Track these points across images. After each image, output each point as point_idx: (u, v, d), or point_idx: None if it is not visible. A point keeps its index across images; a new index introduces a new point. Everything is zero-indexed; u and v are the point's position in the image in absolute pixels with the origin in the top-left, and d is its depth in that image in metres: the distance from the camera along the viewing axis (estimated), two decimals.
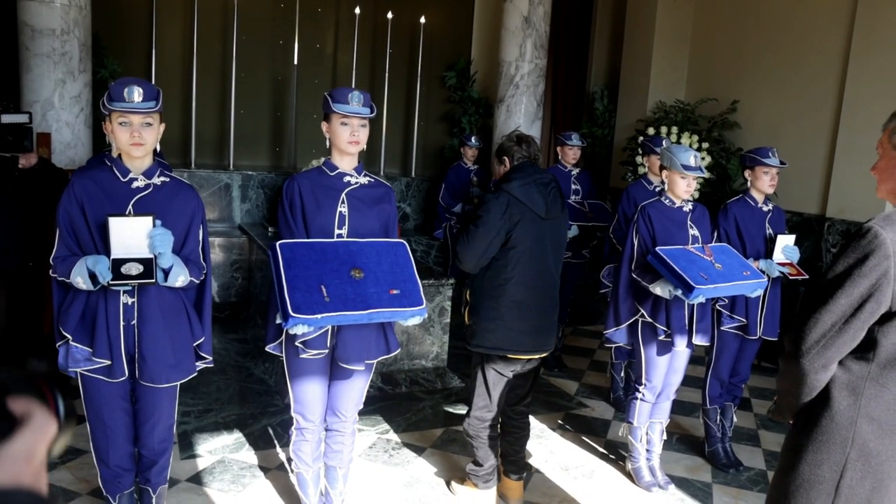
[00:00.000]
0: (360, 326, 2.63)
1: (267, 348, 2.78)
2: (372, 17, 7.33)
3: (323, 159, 2.81)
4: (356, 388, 2.84)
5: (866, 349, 1.69)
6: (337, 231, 2.66)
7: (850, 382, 1.71)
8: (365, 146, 2.71)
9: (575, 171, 5.58)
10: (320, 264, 2.49)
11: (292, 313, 2.37)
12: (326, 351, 2.68)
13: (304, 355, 2.66)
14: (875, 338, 1.67)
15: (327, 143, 2.72)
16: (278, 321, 2.53)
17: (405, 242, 2.73)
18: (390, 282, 2.57)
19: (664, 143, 4.41)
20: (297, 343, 2.62)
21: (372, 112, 2.65)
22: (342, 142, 2.64)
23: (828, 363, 1.69)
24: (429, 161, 7.89)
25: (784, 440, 1.92)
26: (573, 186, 5.49)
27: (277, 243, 2.51)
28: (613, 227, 4.52)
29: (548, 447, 3.94)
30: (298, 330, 2.45)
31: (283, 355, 2.75)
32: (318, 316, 2.41)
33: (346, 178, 2.70)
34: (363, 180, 2.73)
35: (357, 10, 7.01)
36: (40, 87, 5.13)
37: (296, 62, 7.00)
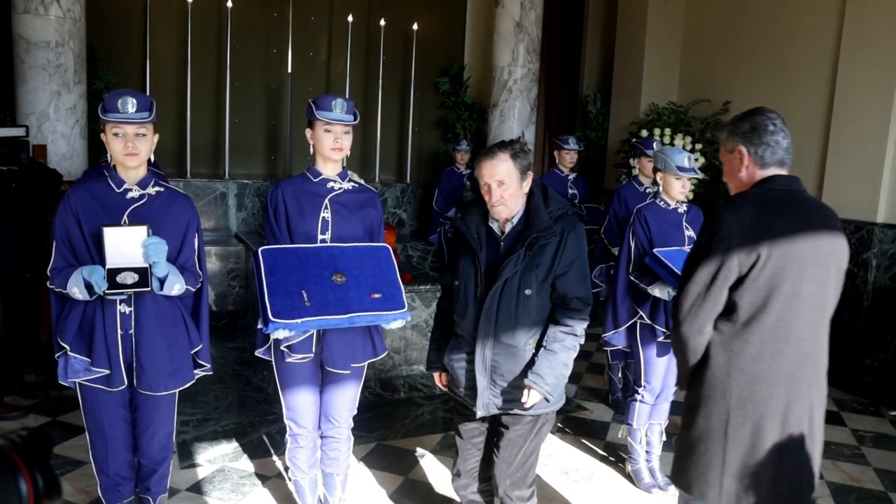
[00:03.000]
0: (345, 330, 2.66)
1: (256, 353, 2.82)
2: (365, 24, 7.35)
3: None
4: (348, 394, 2.85)
5: (730, 312, 2.01)
6: (320, 236, 2.69)
7: (722, 342, 2.03)
8: (349, 153, 2.74)
9: (571, 176, 5.60)
10: (302, 269, 2.53)
11: (272, 318, 2.41)
12: (311, 355, 2.70)
13: (289, 359, 2.70)
14: (735, 301, 1.99)
15: (311, 150, 2.75)
16: (259, 326, 2.57)
17: (388, 246, 2.75)
18: (372, 286, 2.60)
19: (655, 144, 4.43)
20: (282, 347, 2.65)
21: (355, 119, 2.69)
22: (325, 148, 2.67)
23: (702, 327, 2.02)
24: (424, 167, 7.91)
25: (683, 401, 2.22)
26: (570, 191, 5.51)
27: (260, 249, 2.55)
28: (605, 228, 4.55)
29: (547, 450, 3.95)
30: (279, 334, 2.49)
31: (273, 360, 2.77)
32: (299, 320, 2.45)
33: (330, 184, 2.73)
34: (347, 186, 2.76)
35: (350, 18, 7.04)
36: (35, 98, 5.14)
37: (290, 70, 7.02)
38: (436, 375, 2.68)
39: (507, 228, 2.42)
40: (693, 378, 2.11)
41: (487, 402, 2.43)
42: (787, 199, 2.03)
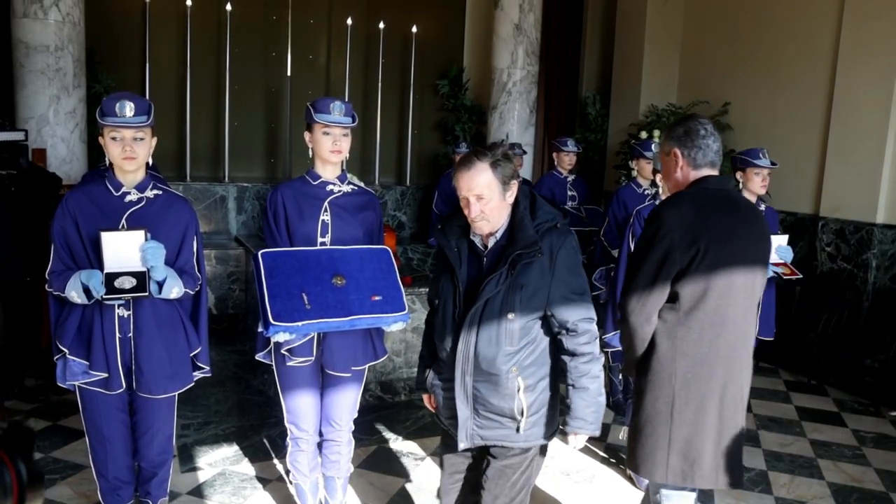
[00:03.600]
0: (345, 333, 2.65)
1: (257, 356, 2.81)
2: (364, 27, 7.36)
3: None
4: (349, 397, 2.85)
5: (674, 301, 2.19)
6: (320, 239, 2.69)
7: (667, 329, 2.21)
8: (348, 155, 2.74)
9: (571, 178, 5.60)
10: (302, 272, 2.52)
11: (273, 321, 2.40)
12: (312, 358, 2.70)
13: (290, 363, 2.69)
14: (677, 291, 2.17)
15: (310, 153, 2.75)
16: (260, 329, 2.56)
17: (388, 249, 2.75)
18: (372, 288, 2.59)
19: (654, 146, 4.43)
20: (282, 351, 2.64)
21: (354, 122, 2.69)
22: (324, 151, 2.67)
23: (649, 317, 2.20)
24: (423, 169, 7.91)
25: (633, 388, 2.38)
26: (569, 192, 5.51)
27: (259, 252, 2.54)
28: (604, 230, 4.54)
29: (548, 452, 3.94)
30: (280, 337, 2.48)
31: (273, 363, 2.77)
32: (299, 323, 2.43)
33: (329, 187, 2.73)
34: (346, 188, 2.76)
35: (349, 21, 7.04)
36: (35, 103, 5.15)
37: (289, 73, 7.03)
38: (425, 397, 2.47)
39: (491, 243, 2.17)
40: (641, 366, 2.29)
41: (471, 433, 2.20)
42: (722, 198, 2.23)
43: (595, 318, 2.20)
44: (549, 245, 2.10)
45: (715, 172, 2.27)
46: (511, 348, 2.12)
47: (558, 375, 2.25)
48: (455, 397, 2.18)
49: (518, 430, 2.16)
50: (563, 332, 2.15)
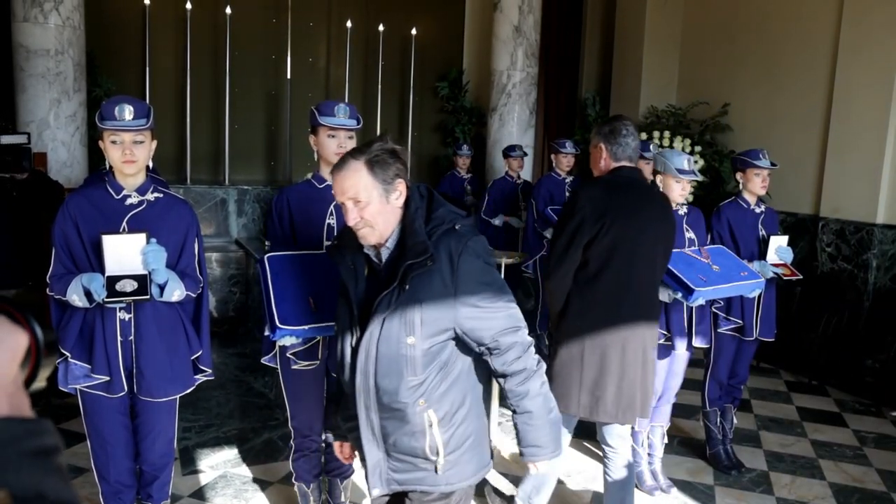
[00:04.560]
0: None
1: (263, 360, 2.81)
2: (363, 29, 7.37)
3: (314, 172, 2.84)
4: None
5: (583, 267, 2.63)
6: (326, 243, 2.69)
7: (578, 289, 2.64)
8: None
9: (569, 179, 5.60)
10: (308, 276, 2.51)
11: (279, 325, 2.39)
12: (318, 362, 2.70)
13: (295, 366, 2.68)
14: (587, 258, 2.62)
15: (315, 156, 2.75)
16: (266, 333, 2.55)
17: None
18: None
19: (652, 147, 4.43)
20: (288, 354, 2.64)
21: (358, 124, 2.69)
22: (330, 154, 2.67)
23: (564, 276, 2.63)
24: (424, 171, 7.92)
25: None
26: (567, 194, 5.51)
27: (265, 256, 2.54)
28: None
29: None
30: (286, 341, 2.47)
31: (279, 367, 2.76)
32: (306, 327, 2.43)
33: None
34: None
35: (349, 24, 7.05)
36: (35, 106, 5.16)
37: (289, 76, 7.04)
38: (336, 445, 2.13)
39: (385, 255, 1.84)
40: (558, 321, 2.72)
41: (386, 477, 1.88)
42: (630, 184, 2.71)
43: (522, 325, 1.86)
44: (446, 250, 1.76)
45: (631, 165, 2.74)
46: (414, 379, 1.77)
47: (482, 401, 1.93)
48: (362, 437, 1.86)
49: (436, 470, 1.84)
50: (485, 351, 1.83)
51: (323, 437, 2.90)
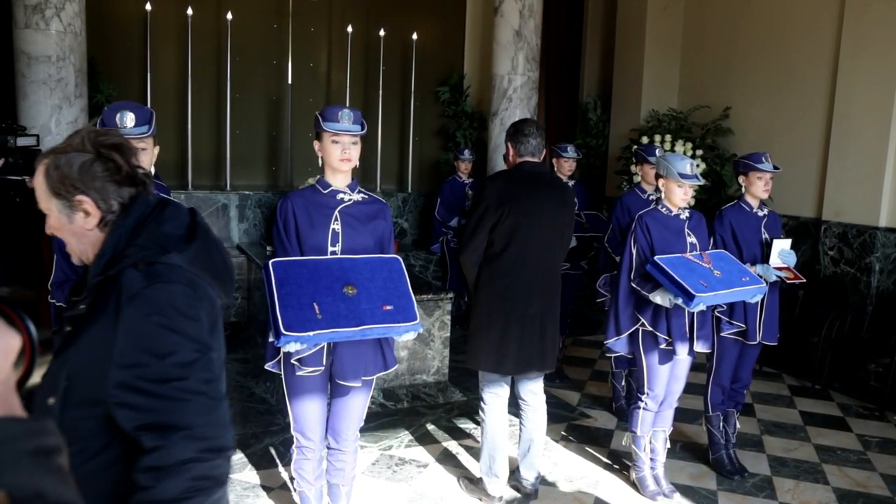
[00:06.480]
0: (356, 343, 2.64)
1: (266, 366, 2.79)
2: (364, 34, 7.38)
3: (318, 177, 2.84)
4: (356, 406, 2.83)
5: (490, 245, 3.14)
6: (330, 248, 2.68)
7: (487, 264, 3.16)
8: (357, 163, 2.74)
9: (571, 184, 5.59)
10: (313, 282, 2.50)
11: (284, 331, 2.38)
12: (322, 368, 2.69)
13: (300, 372, 2.67)
14: (493, 239, 3.13)
15: (320, 162, 2.74)
16: (271, 339, 2.55)
17: (399, 258, 2.73)
18: (384, 297, 2.58)
19: (657, 151, 4.42)
20: (292, 361, 2.63)
21: (363, 129, 2.68)
22: (334, 160, 2.66)
23: (473, 252, 3.15)
24: (425, 176, 7.92)
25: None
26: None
27: (270, 262, 2.53)
28: (608, 237, 4.53)
29: (552, 458, 3.93)
30: (291, 347, 2.46)
31: (282, 373, 2.76)
32: (310, 333, 2.41)
33: (340, 196, 2.72)
34: (357, 197, 2.75)
35: (349, 29, 7.06)
36: (37, 113, 5.16)
37: (290, 81, 7.05)
38: None
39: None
40: (474, 290, 3.22)
41: None
42: (531, 176, 3.20)
43: (195, 435, 1.22)
44: (114, 293, 1.26)
45: (534, 160, 3.23)
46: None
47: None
48: None
49: None
50: (140, 447, 1.23)
51: (324, 445, 2.89)
